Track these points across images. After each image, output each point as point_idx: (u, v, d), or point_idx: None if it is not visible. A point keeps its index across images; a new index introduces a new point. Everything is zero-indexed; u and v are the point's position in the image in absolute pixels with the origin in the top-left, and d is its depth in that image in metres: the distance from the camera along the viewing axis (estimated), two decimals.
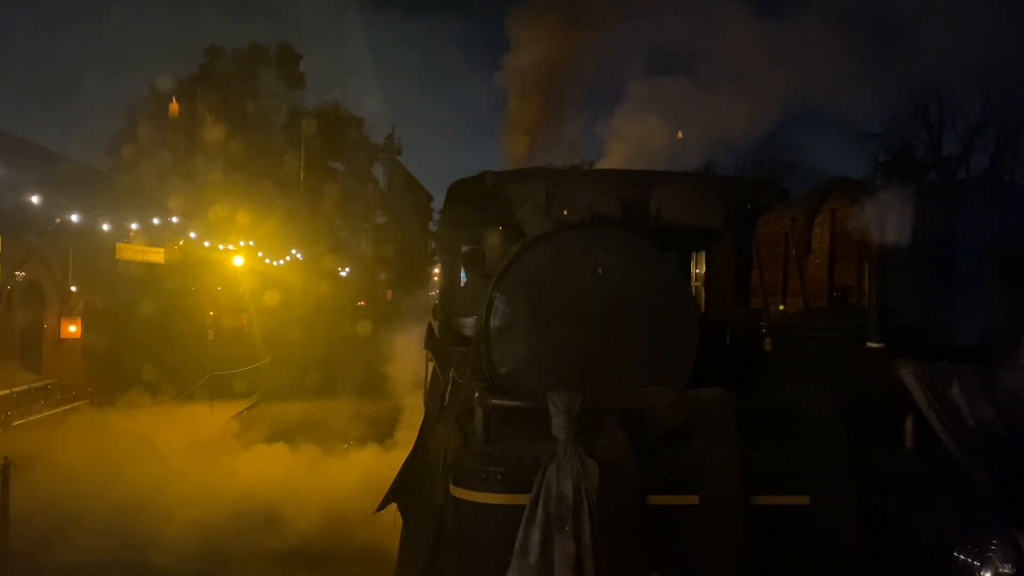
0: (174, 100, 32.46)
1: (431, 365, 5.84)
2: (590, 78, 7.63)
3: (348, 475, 11.06)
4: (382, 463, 10.58)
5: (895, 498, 3.57)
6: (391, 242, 47.20)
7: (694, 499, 3.46)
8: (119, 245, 19.93)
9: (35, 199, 15.50)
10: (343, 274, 42.09)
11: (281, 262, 32.72)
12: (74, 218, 17.42)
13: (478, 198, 4.91)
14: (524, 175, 4.88)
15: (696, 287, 7.03)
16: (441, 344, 5.54)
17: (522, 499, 3.38)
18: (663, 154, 5.86)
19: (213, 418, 16.25)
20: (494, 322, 4.00)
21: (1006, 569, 3.38)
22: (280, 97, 39.46)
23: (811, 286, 7.99)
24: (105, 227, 18.76)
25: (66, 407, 15.99)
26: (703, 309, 6.54)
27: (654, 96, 6.13)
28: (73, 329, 18.51)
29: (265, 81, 38.34)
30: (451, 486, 3.67)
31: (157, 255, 21.80)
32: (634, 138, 6.02)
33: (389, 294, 44.56)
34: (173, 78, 33.16)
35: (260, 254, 29.73)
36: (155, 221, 21.51)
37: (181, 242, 23.71)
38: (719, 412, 3.58)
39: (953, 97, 22.77)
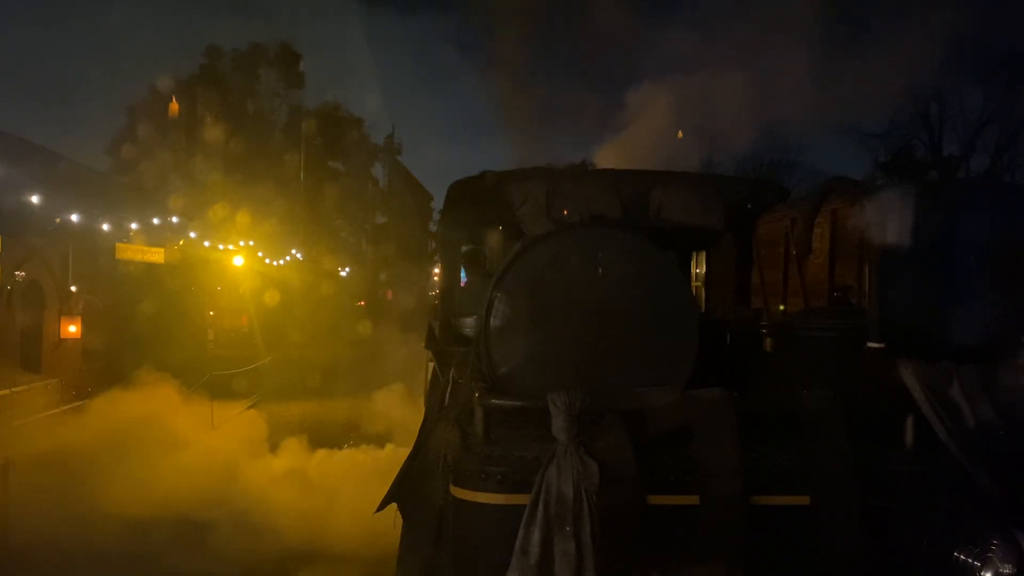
0: (174, 100, 32.46)
1: (431, 365, 5.83)
2: (591, 74, 7.63)
3: (348, 475, 11.07)
4: (382, 462, 10.59)
5: (895, 498, 3.56)
6: (391, 242, 47.19)
7: (694, 499, 3.46)
8: (119, 245, 19.94)
9: (35, 199, 15.53)
10: (343, 274, 42.11)
11: (281, 262, 32.74)
12: (74, 218, 17.44)
13: (478, 198, 4.91)
14: (524, 175, 4.87)
15: (696, 287, 7.02)
16: (441, 344, 5.54)
17: (522, 499, 3.38)
18: (664, 154, 5.85)
19: (213, 418, 16.25)
20: (494, 322, 3.99)
21: (1006, 569, 3.37)
22: (280, 97, 39.52)
23: (811, 286, 7.99)
24: (105, 227, 18.79)
25: (66, 407, 15.99)
26: (703, 309, 6.54)
27: (655, 97, 6.12)
28: (73, 329, 18.52)
29: (265, 81, 38.38)
30: (451, 486, 3.66)
31: (157, 255, 21.82)
32: (635, 138, 6.02)
33: (389, 294, 44.58)
34: (173, 78, 33.17)
35: (260, 254, 29.75)
36: (155, 221, 21.55)
37: (181, 242, 23.74)
38: (719, 412, 3.57)
39: (953, 97, 22.78)
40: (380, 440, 12.69)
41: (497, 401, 3.77)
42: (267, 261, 30.76)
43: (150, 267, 21.62)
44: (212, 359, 22.13)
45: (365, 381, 17.74)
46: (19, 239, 16.22)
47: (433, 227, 52.54)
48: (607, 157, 6.01)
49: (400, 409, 14.00)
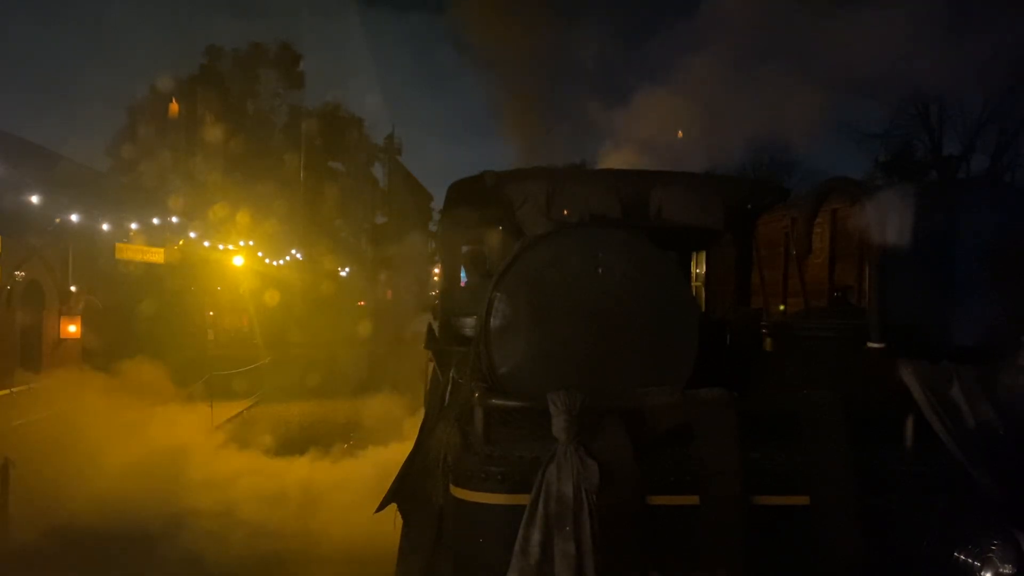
0: (174, 100, 32.45)
1: (431, 365, 5.83)
2: (592, 74, 7.62)
3: (348, 475, 11.07)
4: (381, 462, 10.58)
5: (895, 498, 3.57)
6: (391, 242, 47.16)
7: (694, 499, 3.46)
8: (119, 245, 19.94)
9: (35, 199, 15.53)
10: (343, 274, 42.09)
11: (281, 262, 32.74)
12: (74, 218, 17.44)
13: (478, 198, 4.90)
14: (524, 175, 4.87)
15: (696, 287, 7.03)
16: (441, 344, 5.54)
17: (522, 499, 3.38)
18: (665, 154, 5.85)
19: (212, 418, 16.25)
20: (494, 322, 3.99)
21: (1006, 569, 3.38)
22: (280, 97, 39.53)
23: (811, 286, 7.99)
24: (105, 227, 18.79)
25: (65, 407, 15.97)
26: (703, 309, 6.54)
27: (656, 97, 6.11)
28: (73, 329, 18.50)
29: (265, 81, 38.37)
30: (451, 486, 3.66)
31: (157, 255, 21.83)
32: (635, 138, 6.01)
33: (389, 294, 44.55)
34: (173, 78, 33.14)
35: (260, 254, 29.75)
36: (155, 221, 21.56)
37: (181, 242, 23.75)
38: (719, 412, 3.57)
39: (953, 97, 22.71)
40: (380, 441, 12.67)
41: (497, 401, 3.77)
42: (267, 261, 30.76)
43: (150, 267, 21.62)
44: (212, 359, 22.10)
45: (365, 381, 17.75)
46: (19, 239, 16.20)
47: (433, 227, 52.50)
48: (607, 158, 6.01)
49: (400, 410, 14.01)
